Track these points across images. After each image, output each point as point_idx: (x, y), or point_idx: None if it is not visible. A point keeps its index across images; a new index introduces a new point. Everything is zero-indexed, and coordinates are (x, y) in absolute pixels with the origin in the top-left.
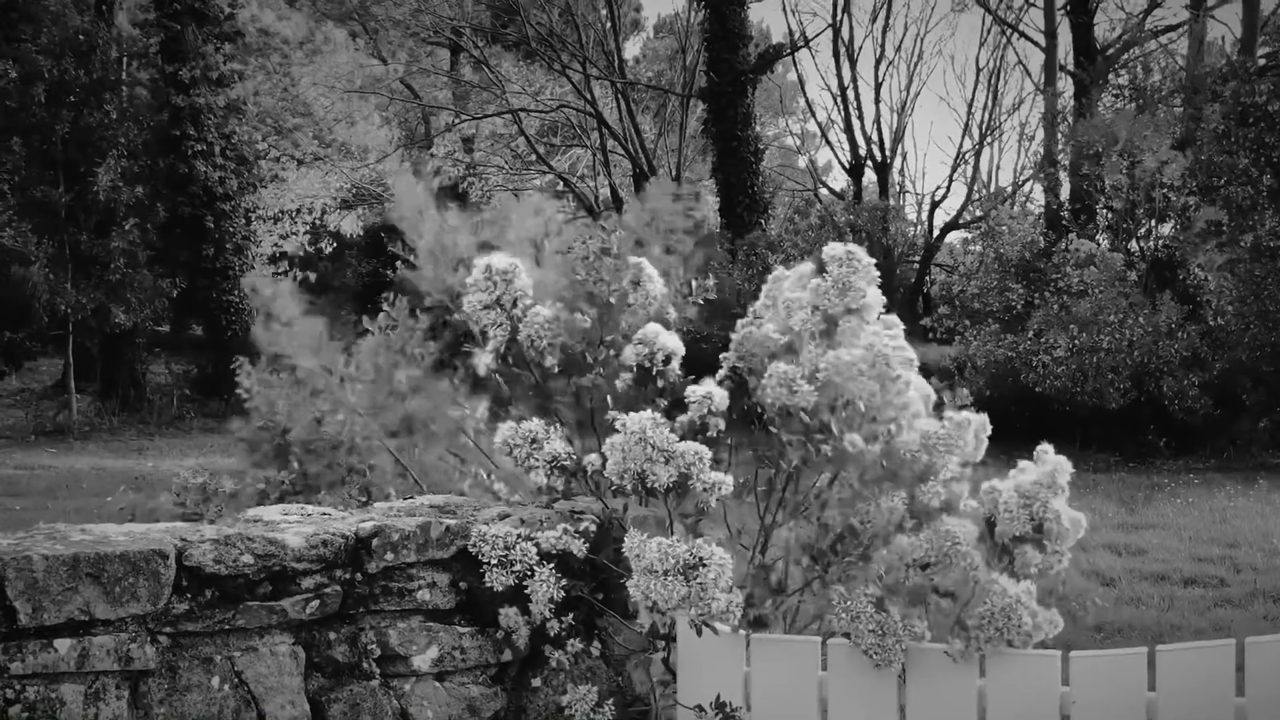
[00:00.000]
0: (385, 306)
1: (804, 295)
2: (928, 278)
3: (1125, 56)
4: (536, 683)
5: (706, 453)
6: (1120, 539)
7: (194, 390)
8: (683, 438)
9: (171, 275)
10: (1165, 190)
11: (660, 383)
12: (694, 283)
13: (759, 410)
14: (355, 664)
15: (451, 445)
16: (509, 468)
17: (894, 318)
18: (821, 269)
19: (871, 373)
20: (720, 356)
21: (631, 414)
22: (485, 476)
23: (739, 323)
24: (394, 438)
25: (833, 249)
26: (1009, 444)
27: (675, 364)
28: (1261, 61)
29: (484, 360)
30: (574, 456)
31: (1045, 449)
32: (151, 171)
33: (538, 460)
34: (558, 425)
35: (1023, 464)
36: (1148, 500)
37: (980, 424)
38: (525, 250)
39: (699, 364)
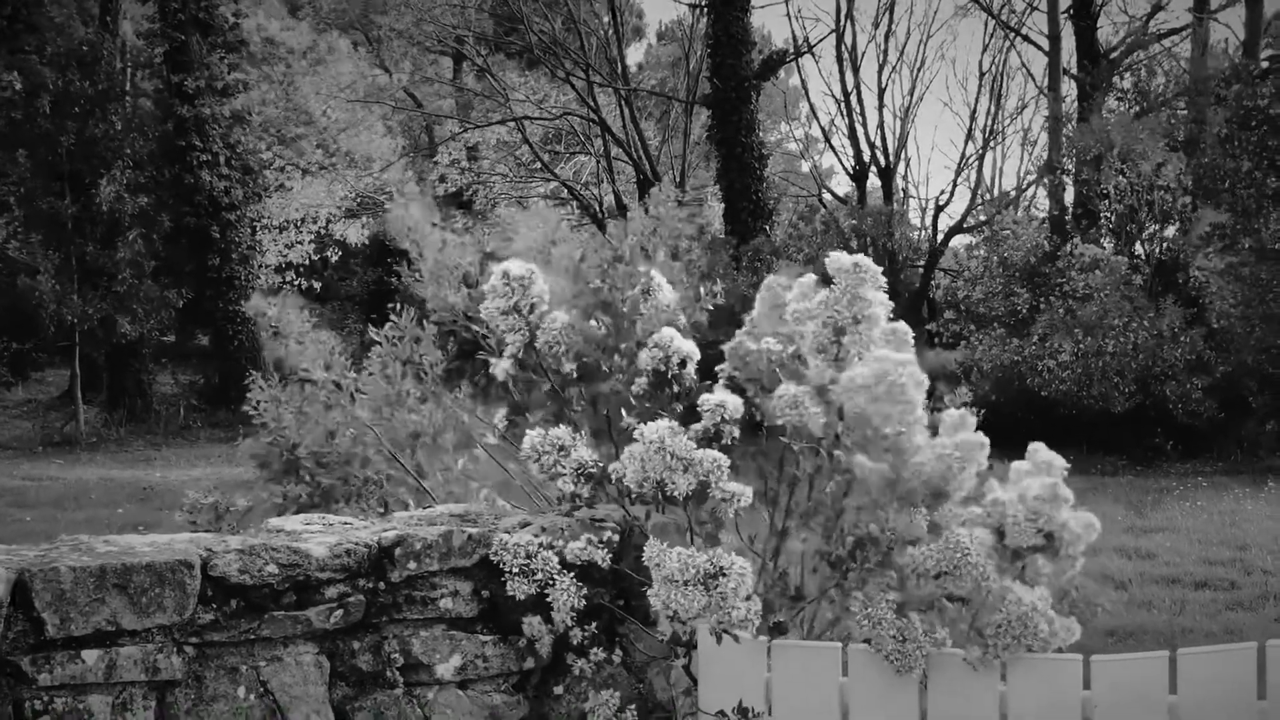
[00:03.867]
0: (392, 317)
1: (812, 307)
2: (932, 282)
3: (1129, 60)
4: (559, 690)
5: (725, 460)
6: (1130, 542)
7: (200, 400)
8: (698, 445)
9: (177, 285)
10: (1164, 193)
11: (676, 387)
12: (702, 288)
13: (761, 420)
14: (379, 673)
15: (464, 455)
16: (535, 474)
17: (903, 325)
18: (826, 280)
19: (886, 397)
20: (716, 368)
21: (649, 423)
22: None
23: (737, 332)
24: (406, 449)
25: (839, 259)
26: (1015, 449)
27: (691, 368)
28: (1264, 64)
29: (502, 366)
30: (599, 464)
31: (1036, 447)
32: (157, 182)
33: (564, 468)
34: (581, 433)
35: (1016, 464)
36: (1156, 503)
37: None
38: (532, 258)
39: (706, 371)
